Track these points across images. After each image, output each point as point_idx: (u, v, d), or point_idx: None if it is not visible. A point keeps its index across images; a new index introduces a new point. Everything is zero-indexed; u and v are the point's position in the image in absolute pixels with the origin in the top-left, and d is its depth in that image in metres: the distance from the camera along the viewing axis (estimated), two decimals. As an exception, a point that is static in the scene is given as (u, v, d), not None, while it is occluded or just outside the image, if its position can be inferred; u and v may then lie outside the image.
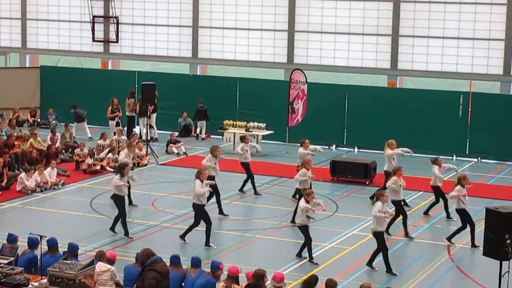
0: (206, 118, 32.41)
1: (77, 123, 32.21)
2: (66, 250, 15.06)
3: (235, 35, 36.38)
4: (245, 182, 23.62)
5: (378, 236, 17.21)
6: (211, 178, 20.45)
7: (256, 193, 23.53)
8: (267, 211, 22.05)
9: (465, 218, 19.12)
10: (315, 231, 20.22)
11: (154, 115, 31.27)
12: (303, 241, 17.94)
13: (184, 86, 33.56)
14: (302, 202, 17.74)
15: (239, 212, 22.39)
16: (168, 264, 14.33)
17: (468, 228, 19.18)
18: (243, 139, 23.84)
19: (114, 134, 30.18)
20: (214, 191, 20.84)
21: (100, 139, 27.89)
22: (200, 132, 32.48)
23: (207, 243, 18.69)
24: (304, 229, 17.70)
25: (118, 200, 19.42)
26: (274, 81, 34.94)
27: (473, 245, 18.98)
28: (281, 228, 20.49)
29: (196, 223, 18.92)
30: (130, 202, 21.88)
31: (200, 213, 18.82)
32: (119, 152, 25.55)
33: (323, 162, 27.82)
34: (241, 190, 23.72)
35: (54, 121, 33.40)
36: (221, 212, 21.32)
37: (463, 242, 19.56)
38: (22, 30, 40.21)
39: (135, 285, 13.96)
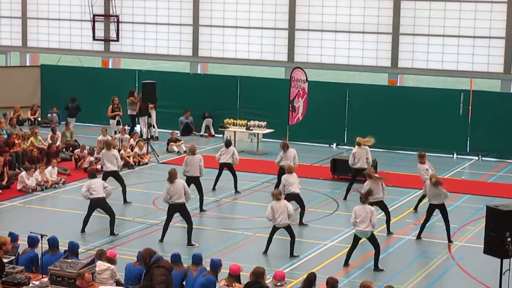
0: (211, 116, 32.52)
1: (68, 117, 32.33)
2: (67, 248, 15.08)
3: (235, 33, 36.36)
4: (235, 182, 23.80)
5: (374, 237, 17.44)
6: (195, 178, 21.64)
7: (213, 189, 23.81)
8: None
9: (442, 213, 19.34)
10: (316, 230, 20.28)
11: (154, 114, 31.23)
12: (296, 241, 18.18)
13: (185, 85, 33.56)
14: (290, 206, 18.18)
15: (240, 210, 22.40)
16: (168, 262, 14.35)
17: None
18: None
19: (115, 133, 30.17)
20: (198, 190, 21.63)
21: (100, 135, 27.89)
22: (206, 130, 32.64)
23: (189, 243, 18.76)
24: (288, 227, 18.12)
25: (106, 203, 19.50)
26: (274, 79, 34.91)
27: (449, 240, 19.28)
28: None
29: (190, 223, 18.94)
30: (125, 200, 22.42)
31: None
32: (119, 150, 25.84)
33: (324, 160, 27.80)
34: (236, 191, 23.83)
35: (55, 118, 33.45)
36: (201, 208, 21.73)
37: (463, 240, 19.57)
38: (22, 29, 40.20)
39: (141, 284, 13.89)
